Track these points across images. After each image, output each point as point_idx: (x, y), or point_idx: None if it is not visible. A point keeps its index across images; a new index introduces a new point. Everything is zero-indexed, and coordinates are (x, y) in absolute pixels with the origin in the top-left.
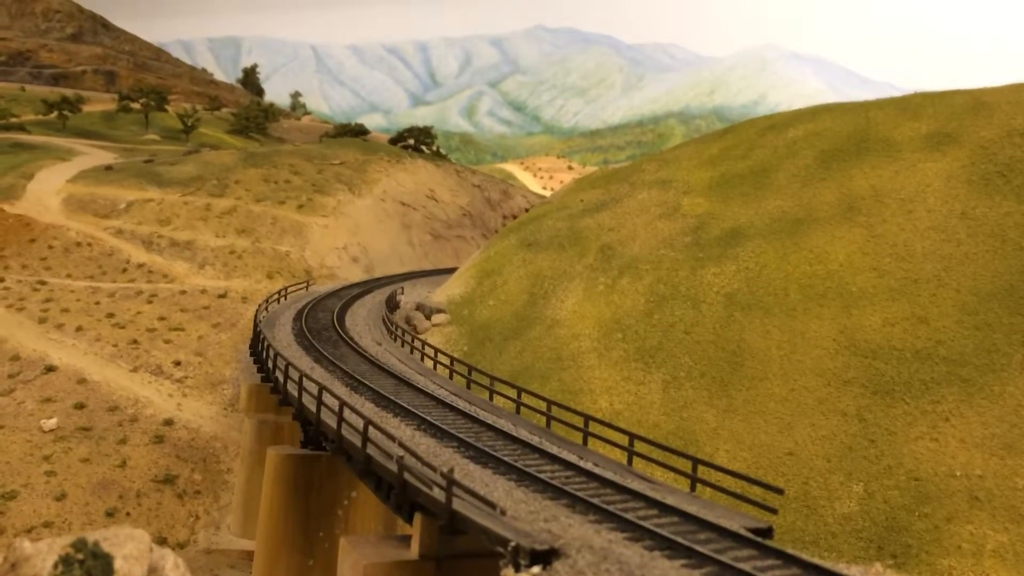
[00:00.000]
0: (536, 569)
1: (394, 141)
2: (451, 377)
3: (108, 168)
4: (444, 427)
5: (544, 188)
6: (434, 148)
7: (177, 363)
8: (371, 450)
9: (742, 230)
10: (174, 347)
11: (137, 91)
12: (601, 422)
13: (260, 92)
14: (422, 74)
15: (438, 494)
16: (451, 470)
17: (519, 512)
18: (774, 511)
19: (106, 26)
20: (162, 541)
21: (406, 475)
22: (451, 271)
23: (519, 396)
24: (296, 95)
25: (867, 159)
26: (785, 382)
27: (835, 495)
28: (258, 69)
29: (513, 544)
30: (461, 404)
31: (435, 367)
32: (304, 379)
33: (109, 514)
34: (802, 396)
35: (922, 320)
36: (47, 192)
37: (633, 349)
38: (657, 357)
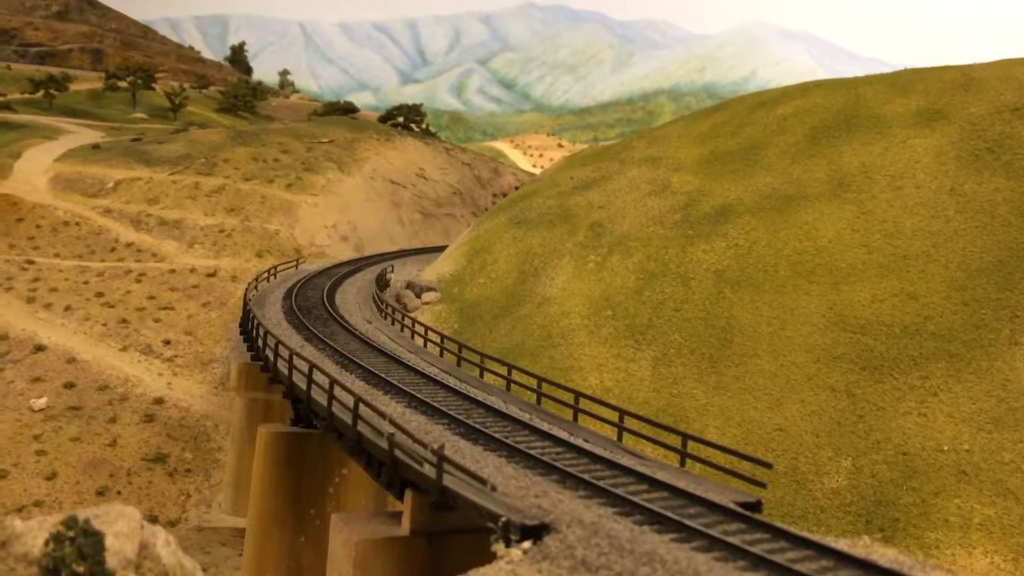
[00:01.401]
0: (527, 544)
1: (383, 119)
2: (441, 355)
3: (95, 147)
4: (435, 404)
5: (534, 166)
6: (423, 126)
7: (167, 342)
8: (362, 427)
9: (732, 207)
10: (164, 326)
11: (124, 69)
12: (591, 398)
13: (248, 70)
14: (411, 52)
15: (429, 471)
16: (441, 447)
17: (509, 488)
18: (763, 486)
19: (92, 4)
20: (153, 519)
21: (397, 452)
22: (441, 249)
23: (509, 373)
24: (284, 73)
25: (857, 135)
26: (774, 358)
27: (824, 470)
28: (246, 47)
29: (504, 519)
30: (451, 381)
31: (425, 345)
32: (294, 357)
33: (100, 493)
34: (791, 372)
35: (911, 296)
36: (34, 171)
37: (623, 326)
38: (647, 334)
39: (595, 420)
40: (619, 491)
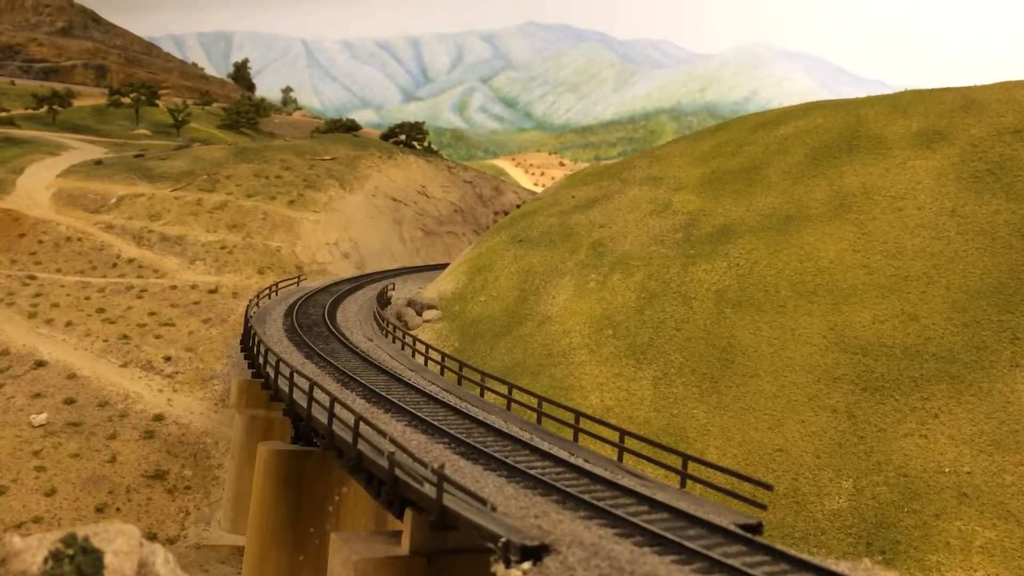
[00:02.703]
0: (526, 565)
1: (385, 137)
2: (442, 373)
3: (98, 163)
4: (435, 423)
5: (535, 184)
6: (425, 144)
7: (167, 358)
8: (362, 446)
9: (733, 227)
10: (164, 342)
11: (127, 86)
12: (592, 418)
13: (251, 87)
14: (414, 70)
15: (429, 490)
16: (442, 466)
17: (509, 508)
18: (764, 507)
19: (97, 20)
20: (152, 537)
21: (397, 471)
22: (442, 267)
23: (510, 392)
24: (287, 90)
25: (858, 156)
26: (775, 379)
27: (824, 491)
28: (249, 64)
29: (503, 540)
30: (452, 400)
31: (426, 363)
32: (295, 374)
33: (99, 509)
34: (792, 393)
35: (912, 317)
36: (37, 186)
37: (624, 345)
38: (648, 354)
39: (595, 440)
40: (619, 512)
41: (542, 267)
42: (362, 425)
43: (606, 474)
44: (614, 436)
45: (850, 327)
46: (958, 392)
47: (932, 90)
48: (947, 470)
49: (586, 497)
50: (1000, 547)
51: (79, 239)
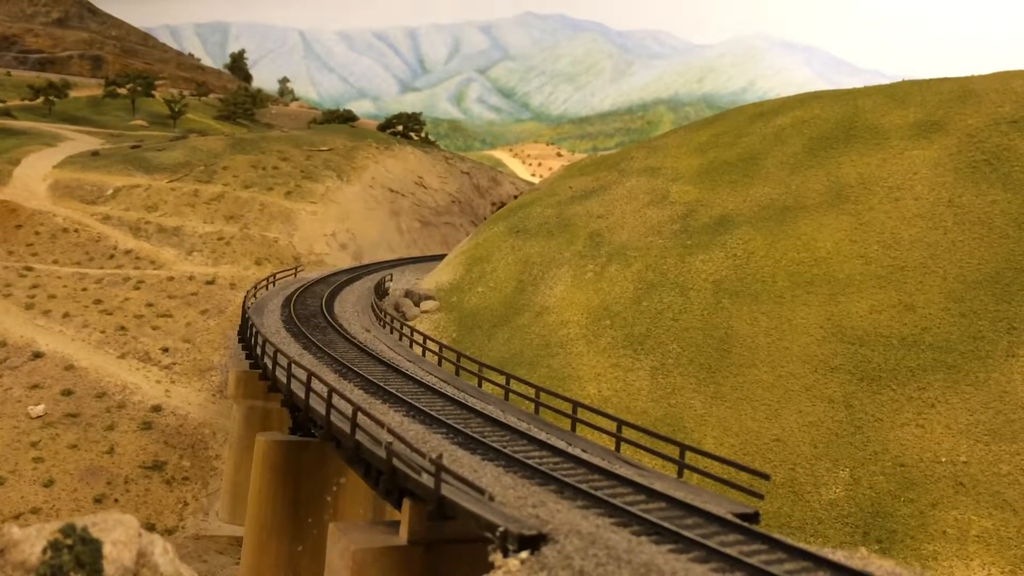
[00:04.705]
0: (524, 554)
1: (383, 128)
2: (440, 364)
3: (95, 154)
4: (433, 413)
5: (533, 175)
6: (423, 135)
7: (165, 349)
8: (360, 436)
9: (730, 217)
10: (162, 333)
11: (124, 76)
12: (589, 408)
13: (248, 78)
14: (411, 60)
15: (427, 480)
16: (440, 456)
17: (507, 498)
18: (761, 497)
19: (92, 11)
20: (151, 527)
21: (395, 461)
22: (440, 258)
23: (507, 382)
24: (284, 81)
25: (855, 147)
26: (772, 369)
27: (821, 481)
28: (246, 55)
29: (501, 529)
30: (450, 391)
31: (424, 354)
32: (293, 365)
33: (97, 500)
34: (789, 383)
35: (909, 307)
36: (33, 178)
37: (621, 336)
38: (645, 344)
39: (593, 430)
40: (617, 501)
41: (539, 258)
42: (360, 415)
43: (603, 464)
44: (611, 426)
45: (847, 317)
46: (955, 382)
47: (929, 80)
48: (943, 460)
49: (584, 486)
50: (996, 536)
51: (76, 230)
